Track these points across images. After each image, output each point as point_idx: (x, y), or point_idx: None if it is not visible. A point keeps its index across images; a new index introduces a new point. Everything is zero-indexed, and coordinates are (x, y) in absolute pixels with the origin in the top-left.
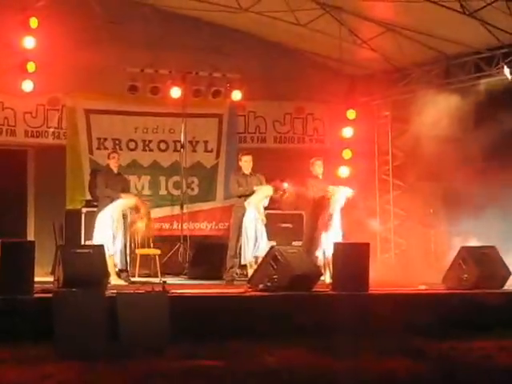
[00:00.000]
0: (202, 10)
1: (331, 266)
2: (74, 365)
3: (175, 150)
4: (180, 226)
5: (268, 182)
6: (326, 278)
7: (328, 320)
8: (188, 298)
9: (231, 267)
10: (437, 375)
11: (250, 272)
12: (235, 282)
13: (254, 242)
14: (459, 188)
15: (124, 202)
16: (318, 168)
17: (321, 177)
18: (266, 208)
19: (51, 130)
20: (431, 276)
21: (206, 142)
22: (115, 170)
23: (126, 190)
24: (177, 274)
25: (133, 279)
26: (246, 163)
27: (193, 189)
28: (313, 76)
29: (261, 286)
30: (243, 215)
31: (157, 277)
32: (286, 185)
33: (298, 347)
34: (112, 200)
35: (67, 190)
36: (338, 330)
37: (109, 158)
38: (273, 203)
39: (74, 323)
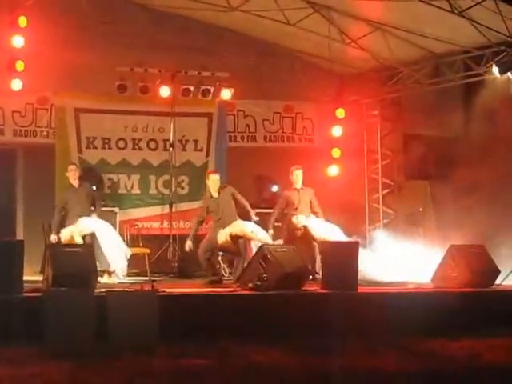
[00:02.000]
0: (192, 8)
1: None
2: (63, 364)
3: (165, 149)
4: (169, 224)
5: (257, 181)
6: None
7: (317, 319)
8: (177, 297)
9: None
10: (426, 374)
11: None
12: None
13: None
14: (448, 186)
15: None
16: (296, 178)
17: (299, 187)
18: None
19: (40, 129)
20: (420, 275)
21: (195, 141)
22: (75, 185)
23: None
24: (166, 273)
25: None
26: (214, 182)
27: (183, 188)
28: (302, 75)
29: (250, 284)
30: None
31: (146, 276)
32: (275, 187)
33: (288, 346)
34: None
35: (56, 189)
36: (327, 328)
37: (67, 171)
38: (264, 202)
39: (63, 322)
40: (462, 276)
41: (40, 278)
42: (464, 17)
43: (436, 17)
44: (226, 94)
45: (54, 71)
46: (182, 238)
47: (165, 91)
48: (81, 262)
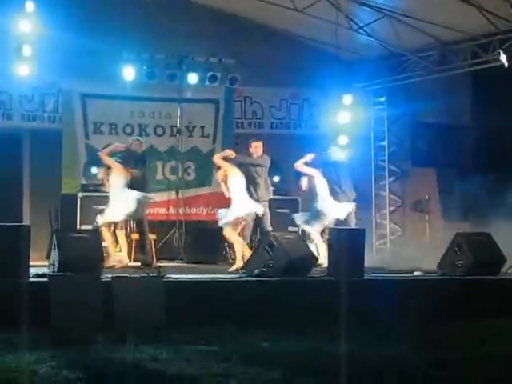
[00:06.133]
0: None
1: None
2: (69, 349)
3: (172, 135)
4: (176, 210)
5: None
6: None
7: (323, 305)
8: (183, 283)
9: None
10: (431, 360)
11: None
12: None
13: None
14: (454, 174)
15: None
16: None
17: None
18: None
19: (47, 114)
20: (426, 262)
21: (202, 127)
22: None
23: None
24: (172, 259)
25: (128, 264)
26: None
27: (189, 174)
28: (309, 61)
29: (256, 271)
30: None
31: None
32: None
33: (293, 332)
34: None
35: (63, 174)
36: (333, 315)
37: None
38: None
39: (69, 308)
40: (467, 264)
41: (46, 263)
42: (472, 4)
43: (444, 4)
44: (233, 80)
45: (61, 56)
46: (189, 224)
47: (171, 77)
48: (87, 248)
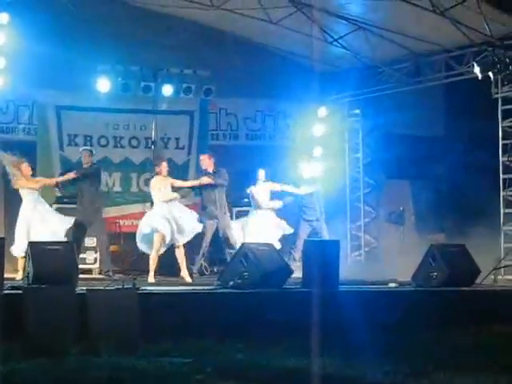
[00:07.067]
0: (174, 6)
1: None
2: (43, 361)
3: (146, 147)
4: None
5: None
6: None
7: (298, 317)
8: (158, 295)
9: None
10: (406, 372)
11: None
12: (202, 278)
13: None
14: (428, 186)
15: None
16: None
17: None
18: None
19: (22, 125)
20: (401, 274)
21: (177, 139)
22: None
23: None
24: (147, 271)
25: (103, 276)
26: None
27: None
28: (284, 73)
29: (231, 282)
30: None
31: (127, 274)
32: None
33: (268, 344)
34: None
35: None
36: (308, 327)
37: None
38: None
39: (43, 320)
40: (442, 275)
41: (20, 275)
42: (445, 16)
43: (417, 16)
44: (208, 91)
45: (35, 68)
46: None
47: (146, 89)
48: (62, 260)
